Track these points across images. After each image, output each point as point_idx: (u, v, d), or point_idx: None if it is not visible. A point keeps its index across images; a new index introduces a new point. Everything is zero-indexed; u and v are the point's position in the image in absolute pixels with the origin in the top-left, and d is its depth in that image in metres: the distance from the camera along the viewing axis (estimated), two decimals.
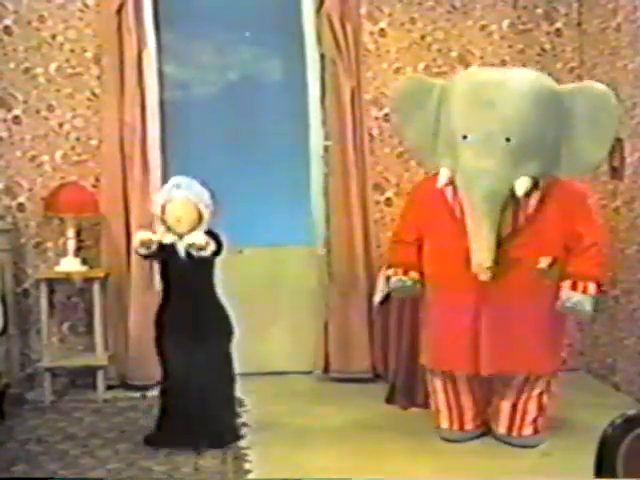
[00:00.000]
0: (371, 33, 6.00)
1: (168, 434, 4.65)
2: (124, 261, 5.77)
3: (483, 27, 6.07)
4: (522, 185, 4.40)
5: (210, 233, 4.58)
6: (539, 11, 6.11)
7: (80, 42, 5.83)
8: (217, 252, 4.58)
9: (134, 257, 5.55)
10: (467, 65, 5.89)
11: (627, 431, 2.57)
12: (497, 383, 4.76)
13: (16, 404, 5.43)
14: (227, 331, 4.73)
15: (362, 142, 5.93)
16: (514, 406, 4.73)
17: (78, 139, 5.87)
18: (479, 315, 4.57)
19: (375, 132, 6.03)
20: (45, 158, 5.85)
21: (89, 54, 5.85)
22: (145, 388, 5.65)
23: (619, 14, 5.57)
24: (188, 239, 4.53)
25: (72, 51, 5.83)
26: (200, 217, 4.60)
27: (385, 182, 6.07)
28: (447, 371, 4.76)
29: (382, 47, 6.03)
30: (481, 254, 4.43)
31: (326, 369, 6.01)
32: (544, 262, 4.55)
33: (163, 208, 4.64)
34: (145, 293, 5.66)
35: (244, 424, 4.99)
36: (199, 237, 4.52)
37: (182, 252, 4.57)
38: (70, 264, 5.66)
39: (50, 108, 5.83)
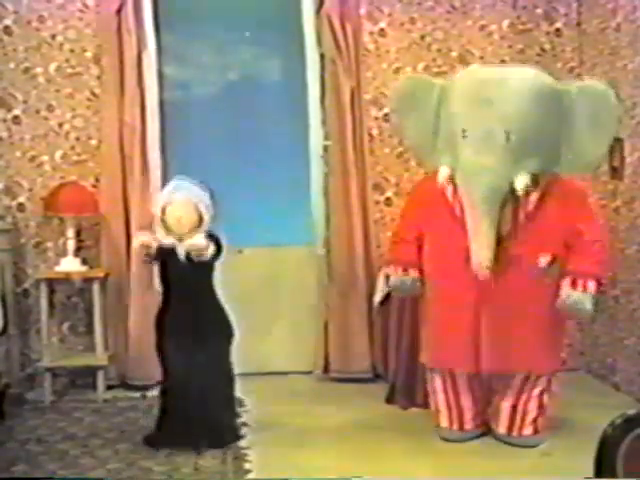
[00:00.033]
0: (371, 33, 6.00)
1: (168, 434, 4.65)
2: (124, 261, 5.77)
3: (483, 27, 6.07)
4: (522, 182, 4.40)
5: (210, 235, 4.58)
6: (539, 11, 6.11)
7: (80, 42, 5.83)
8: (217, 255, 4.58)
9: (134, 257, 5.56)
10: (467, 65, 5.83)
11: (627, 431, 2.57)
12: (497, 382, 4.76)
13: (16, 404, 5.43)
14: (227, 333, 4.73)
15: (362, 142, 5.93)
16: (514, 406, 4.73)
17: (78, 139, 5.87)
18: (479, 313, 4.58)
19: (375, 132, 6.03)
20: (45, 158, 5.85)
21: (89, 54, 5.85)
22: (145, 388, 5.65)
23: (619, 14, 5.57)
24: (188, 242, 4.54)
25: (72, 51, 5.83)
26: (200, 219, 4.60)
27: (385, 182, 6.07)
28: (447, 369, 4.76)
29: (382, 47, 6.03)
30: (481, 252, 4.44)
31: (326, 369, 6.01)
32: (544, 260, 4.55)
33: (163, 210, 4.64)
34: (145, 293, 5.65)
35: (244, 424, 4.99)
36: (199, 240, 4.52)
37: (182, 255, 4.57)
38: (70, 264, 5.66)
39: (50, 108, 5.83)
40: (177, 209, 4.60)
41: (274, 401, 5.50)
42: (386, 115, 5.96)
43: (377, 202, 6.05)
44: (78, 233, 5.77)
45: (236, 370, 4.84)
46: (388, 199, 6.07)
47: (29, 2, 5.77)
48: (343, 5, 5.84)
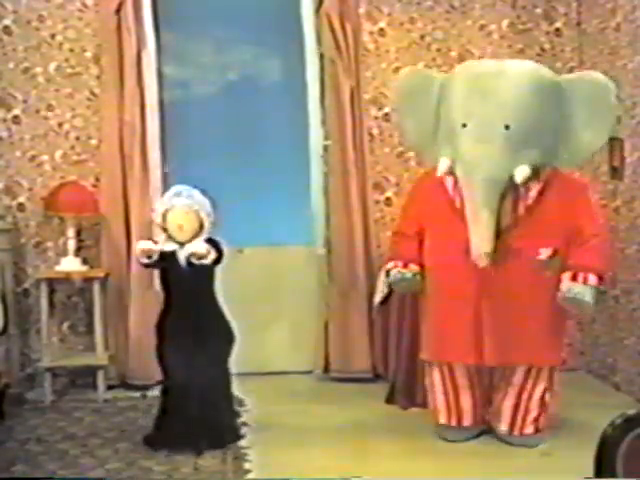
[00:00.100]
0: (370, 33, 6.01)
1: (168, 434, 4.65)
2: (124, 261, 5.77)
3: (482, 27, 6.08)
4: (521, 173, 4.40)
5: (210, 241, 4.58)
6: (538, 11, 6.12)
7: (79, 42, 5.84)
8: (218, 260, 4.58)
9: (134, 257, 5.55)
10: None
11: (627, 431, 2.57)
12: (498, 379, 4.76)
13: (16, 404, 5.43)
14: (228, 338, 4.73)
15: (362, 141, 5.93)
16: (516, 405, 4.72)
17: (78, 138, 5.87)
18: (480, 306, 4.57)
19: (375, 132, 6.03)
20: (45, 158, 5.85)
21: (88, 54, 5.85)
22: (145, 388, 5.65)
23: (618, 14, 5.57)
24: (189, 248, 4.53)
25: (71, 51, 5.84)
26: (201, 225, 4.60)
27: (385, 181, 6.07)
28: (447, 364, 4.75)
29: (381, 47, 6.03)
30: (481, 243, 4.44)
31: (326, 369, 6.01)
32: (544, 254, 4.55)
33: (164, 216, 4.64)
34: (145, 293, 5.66)
35: (244, 424, 4.99)
36: (200, 246, 4.52)
37: (183, 260, 4.57)
38: (70, 264, 5.66)
39: (50, 108, 5.83)
40: (178, 216, 4.59)
41: (274, 401, 5.50)
42: (386, 115, 5.97)
43: (377, 202, 6.05)
44: (78, 233, 5.76)
45: (236, 370, 4.84)
46: (388, 199, 6.07)
47: (29, 2, 5.77)
48: (342, 5, 5.84)
